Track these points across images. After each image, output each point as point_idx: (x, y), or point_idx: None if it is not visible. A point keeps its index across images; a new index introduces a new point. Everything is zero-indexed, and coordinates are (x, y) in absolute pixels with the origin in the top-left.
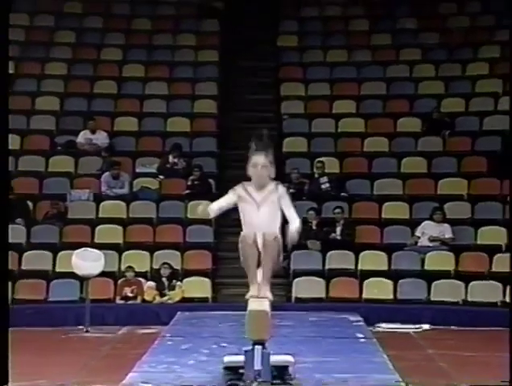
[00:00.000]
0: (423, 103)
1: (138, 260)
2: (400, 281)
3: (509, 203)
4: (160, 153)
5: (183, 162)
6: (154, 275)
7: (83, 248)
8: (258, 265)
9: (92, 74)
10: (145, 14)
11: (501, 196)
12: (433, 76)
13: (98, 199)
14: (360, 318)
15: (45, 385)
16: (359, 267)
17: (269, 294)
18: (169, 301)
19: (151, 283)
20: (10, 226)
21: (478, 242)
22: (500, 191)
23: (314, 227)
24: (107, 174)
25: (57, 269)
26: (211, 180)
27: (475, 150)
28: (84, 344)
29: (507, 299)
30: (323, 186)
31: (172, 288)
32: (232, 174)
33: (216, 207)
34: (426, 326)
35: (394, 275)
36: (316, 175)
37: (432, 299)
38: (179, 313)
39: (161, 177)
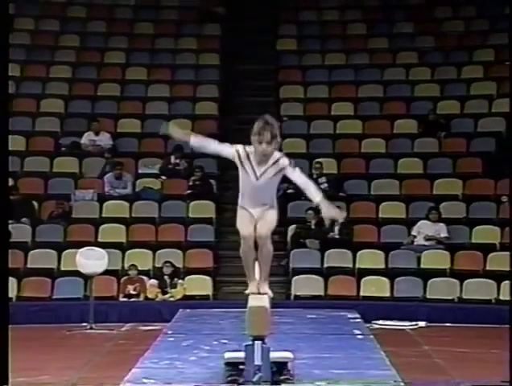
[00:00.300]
0: (419, 105)
1: (141, 258)
2: (397, 279)
3: (510, 203)
4: (162, 155)
5: (185, 162)
6: (156, 273)
7: (87, 247)
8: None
9: (96, 77)
10: (147, 18)
11: (496, 196)
12: (429, 79)
13: (102, 199)
14: (357, 316)
15: (50, 381)
16: (357, 265)
17: (268, 291)
18: (171, 299)
19: (154, 281)
20: (16, 225)
21: (473, 241)
22: (494, 191)
23: (313, 227)
24: (110, 174)
25: (62, 268)
26: (212, 181)
27: (470, 151)
28: (88, 341)
29: (501, 297)
30: (321, 187)
31: (174, 286)
32: (232, 174)
33: (201, 139)
34: (422, 323)
35: (390, 273)
36: (315, 176)
37: (428, 297)
38: (180, 310)
39: (163, 177)
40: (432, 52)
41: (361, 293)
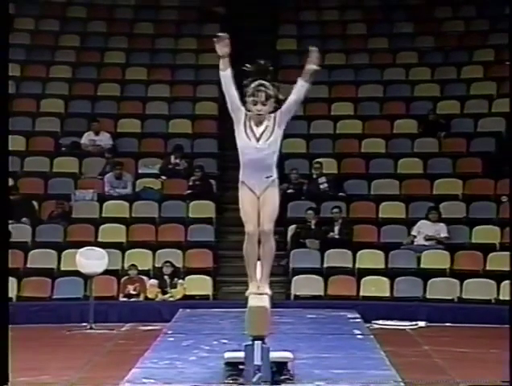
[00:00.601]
0: (419, 105)
1: (141, 258)
2: (397, 279)
3: (510, 203)
4: (162, 154)
5: (185, 162)
6: (156, 273)
7: (87, 247)
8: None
9: (96, 77)
10: (147, 18)
11: (496, 196)
12: (429, 79)
13: (102, 199)
14: (357, 316)
15: (50, 380)
16: (357, 265)
17: (268, 290)
18: (171, 299)
19: (154, 281)
20: (16, 225)
21: (473, 241)
22: (494, 191)
23: (313, 227)
24: (110, 174)
25: (62, 267)
26: (212, 180)
27: (470, 151)
28: (88, 340)
29: (501, 297)
30: (321, 187)
31: (174, 286)
32: (232, 174)
33: (231, 77)
34: (422, 323)
35: (390, 273)
36: (315, 176)
37: (428, 297)
38: (180, 310)
39: (163, 177)
40: (432, 52)
41: (361, 293)
